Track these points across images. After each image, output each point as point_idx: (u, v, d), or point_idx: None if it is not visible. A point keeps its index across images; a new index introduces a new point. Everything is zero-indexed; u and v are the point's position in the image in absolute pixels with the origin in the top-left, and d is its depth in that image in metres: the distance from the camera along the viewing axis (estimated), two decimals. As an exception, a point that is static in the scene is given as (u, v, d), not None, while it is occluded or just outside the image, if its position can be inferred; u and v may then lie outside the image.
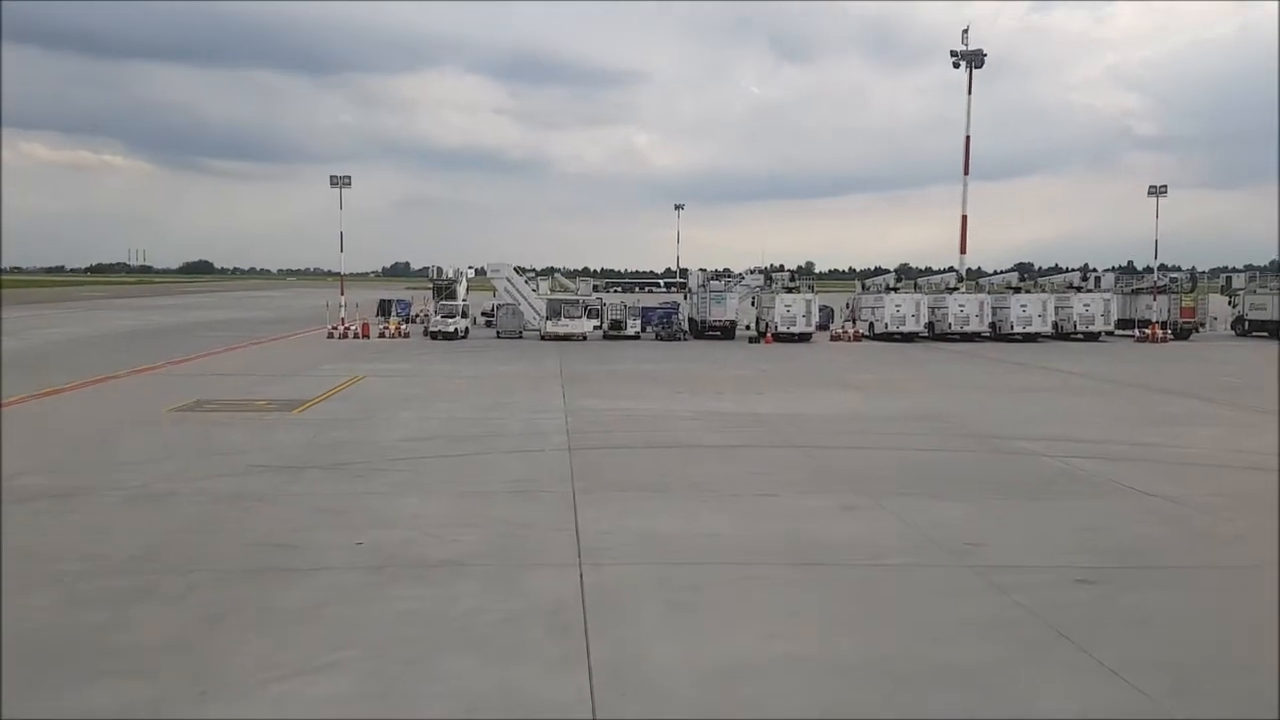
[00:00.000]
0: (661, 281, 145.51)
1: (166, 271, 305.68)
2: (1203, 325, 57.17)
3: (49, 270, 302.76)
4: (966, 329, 51.55)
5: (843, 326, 54.64)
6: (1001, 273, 68.07)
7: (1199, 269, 67.60)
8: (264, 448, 18.58)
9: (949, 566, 11.50)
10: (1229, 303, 60.71)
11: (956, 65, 70.86)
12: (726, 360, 39.23)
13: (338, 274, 57.36)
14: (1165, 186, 54.24)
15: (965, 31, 71.08)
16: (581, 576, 10.87)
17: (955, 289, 56.12)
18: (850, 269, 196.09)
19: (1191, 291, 58.61)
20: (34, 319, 62.32)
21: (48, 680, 8.12)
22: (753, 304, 55.84)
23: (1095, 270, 60.71)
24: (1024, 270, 73.46)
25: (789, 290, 52.55)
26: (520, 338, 50.42)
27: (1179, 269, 63.11)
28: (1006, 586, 10.65)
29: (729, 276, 59.38)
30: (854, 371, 35.15)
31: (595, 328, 51.52)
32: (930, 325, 52.01)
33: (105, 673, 8.27)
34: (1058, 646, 9.06)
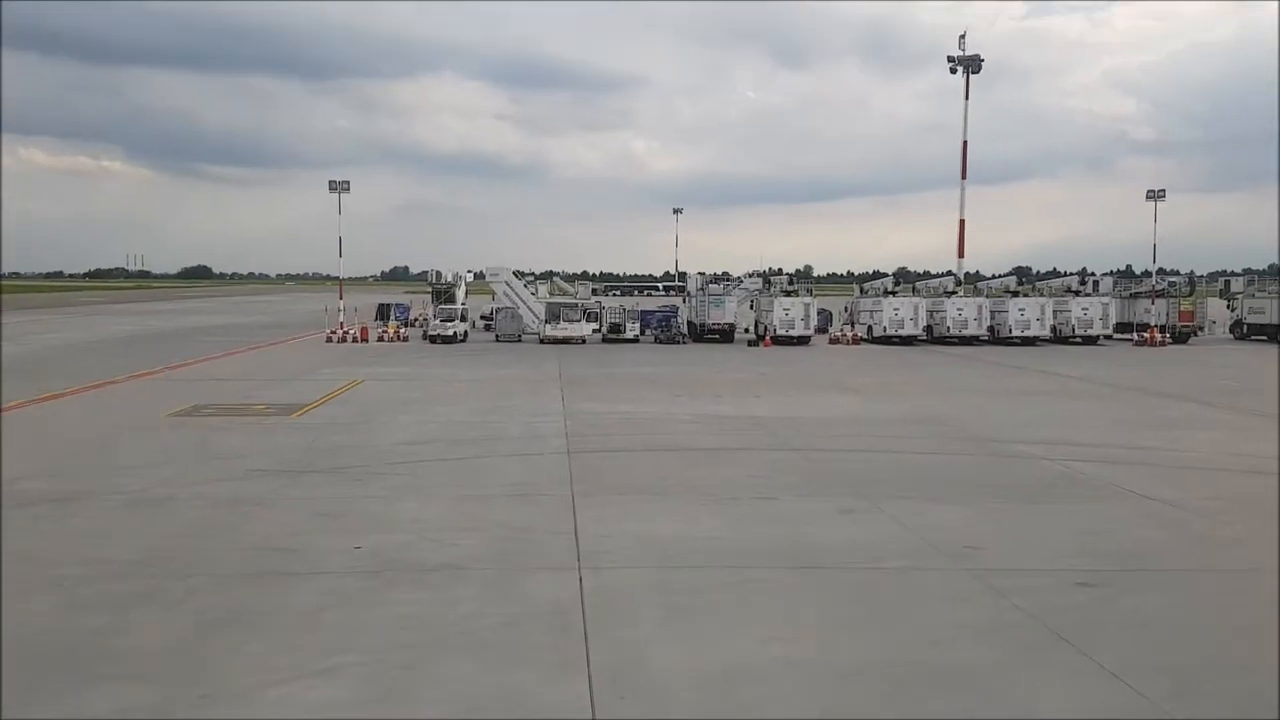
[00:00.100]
0: (660, 285, 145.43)
1: (165, 277, 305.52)
2: (1201, 329, 57.15)
3: (48, 275, 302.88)
4: (965, 332, 51.54)
5: (841, 330, 54.63)
6: (999, 276, 68.14)
7: (1197, 273, 67.84)
8: (263, 452, 18.58)
9: (948, 570, 11.51)
10: (1228, 306, 60.73)
11: (954, 71, 71.04)
12: (725, 363, 39.25)
13: (336, 278, 57.38)
14: (1163, 190, 54.28)
15: (962, 37, 71.34)
16: (581, 580, 10.87)
17: (953, 293, 56.10)
18: (848, 273, 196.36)
19: (1190, 295, 58.64)
20: (33, 324, 62.29)
21: (48, 684, 8.12)
22: (751, 307, 55.88)
23: (1093, 274, 60.71)
24: (1022, 274, 73.47)
25: (787, 294, 52.60)
26: (519, 341, 50.41)
27: (1177, 273, 63.28)
28: (1005, 590, 10.66)
29: (728, 280, 59.45)
30: (852, 375, 35.17)
31: (594, 331, 51.53)
32: (928, 329, 52.00)
33: (105, 677, 8.27)
34: (1057, 649, 9.07)
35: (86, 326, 61.41)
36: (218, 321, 71.17)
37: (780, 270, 60.25)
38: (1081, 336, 52.45)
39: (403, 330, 53.10)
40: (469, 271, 58.36)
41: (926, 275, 74.11)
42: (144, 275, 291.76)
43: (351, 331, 49.26)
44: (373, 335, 50.35)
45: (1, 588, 10.33)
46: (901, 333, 51.36)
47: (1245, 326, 57.24)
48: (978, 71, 70.95)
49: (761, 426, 22.31)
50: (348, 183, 52.10)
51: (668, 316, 53.88)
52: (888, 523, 13.59)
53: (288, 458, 17.99)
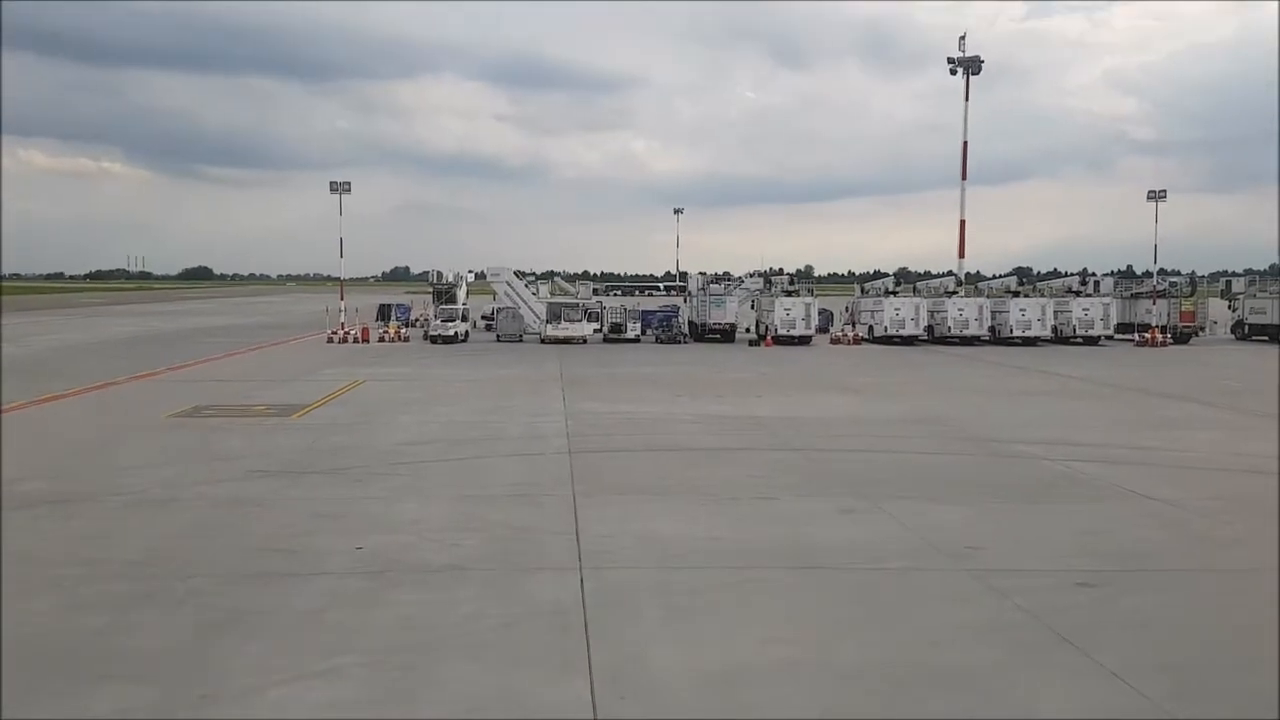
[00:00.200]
0: (661, 285, 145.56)
1: (166, 278, 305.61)
2: (1202, 329, 57.11)
3: (48, 277, 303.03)
4: (965, 333, 51.53)
5: (842, 330, 54.64)
6: (1000, 277, 68.11)
7: (1198, 273, 67.76)
8: (263, 453, 18.59)
9: (948, 570, 11.51)
10: (1229, 307, 60.69)
11: (953, 72, 70.99)
12: (726, 363, 39.25)
13: (337, 279, 57.39)
14: (1164, 191, 54.23)
15: (962, 38, 71.22)
16: (582, 580, 10.87)
17: (954, 293, 56.08)
18: (849, 273, 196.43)
19: (1191, 295, 58.59)
20: (33, 325, 62.34)
21: (48, 684, 8.13)
22: (752, 307, 55.90)
23: (1094, 274, 60.67)
24: (1023, 274, 73.44)
25: (788, 294, 52.60)
26: (520, 341, 50.42)
27: (1178, 273, 63.21)
28: (1006, 590, 10.66)
29: (729, 280, 59.48)
30: (853, 375, 35.17)
31: (595, 331, 51.54)
32: (929, 329, 52.01)
33: (105, 677, 8.27)
34: (1058, 650, 9.07)
35: (87, 328, 61.45)
36: (218, 322, 71.21)
37: (781, 270, 60.28)
38: (1082, 337, 52.43)
39: (404, 331, 53.13)
40: (470, 272, 58.37)
41: (927, 275, 74.12)
42: (145, 276, 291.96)
43: (352, 332, 49.26)
44: (374, 336, 50.37)
45: (2, 588, 10.34)
46: (902, 333, 51.36)
47: (1246, 327, 57.20)
48: (978, 72, 70.81)
49: (762, 426, 22.31)
50: (349, 183, 52.16)
51: (669, 316, 53.89)
52: (888, 523, 13.59)
53: (288, 458, 18.00)
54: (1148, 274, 60.58)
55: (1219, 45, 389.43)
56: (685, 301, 59.94)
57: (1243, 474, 17.27)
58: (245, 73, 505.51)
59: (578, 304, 51.88)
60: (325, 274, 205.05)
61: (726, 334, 52.04)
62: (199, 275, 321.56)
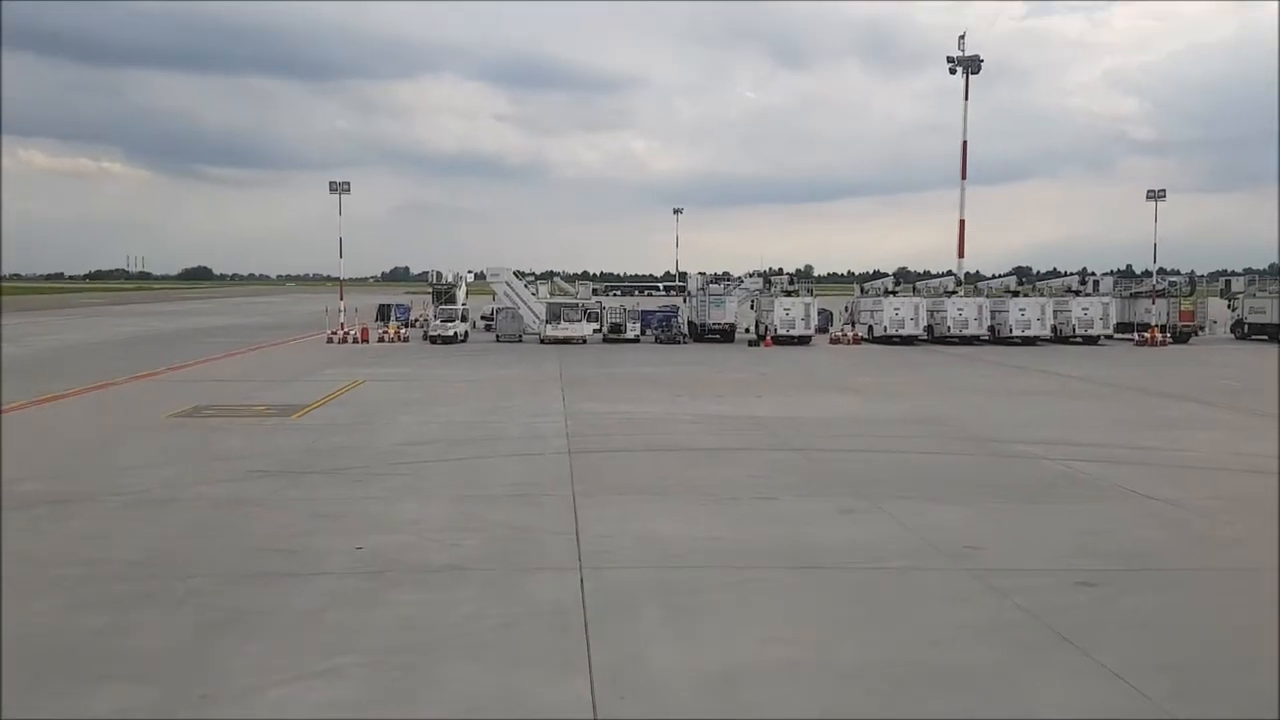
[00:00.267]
0: (661, 285, 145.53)
1: (165, 278, 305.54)
2: (1202, 329, 57.11)
3: (48, 277, 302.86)
4: (965, 332, 51.54)
5: (842, 329, 54.64)
6: (1000, 276, 68.12)
7: (1198, 272, 67.75)
8: (263, 453, 18.59)
9: (948, 570, 11.51)
10: (1228, 306, 60.70)
11: (953, 71, 71.03)
12: (726, 363, 39.25)
13: (337, 279, 57.39)
14: (1164, 190, 54.22)
15: (962, 37, 71.31)
16: (582, 580, 10.88)
17: (954, 292, 56.09)
18: (849, 272, 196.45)
19: (1190, 295, 58.60)
20: (33, 325, 62.33)
21: (48, 684, 8.13)
22: (752, 307, 55.89)
23: (1094, 274, 60.69)
24: (1022, 274, 73.48)
25: (788, 293, 52.59)
26: (520, 341, 50.42)
27: (1178, 272, 63.19)
28: (1006, 590, 10.66)
29: (728, 280, 59.48)
30: (853, 374, 35.17)
31: (595, 331, 51.54)
32: (929, 328, 52.02)
33: (106, 677, 8.27)
34: (1058, 649, 9.07)
35: (87, 328, 61.44)
36: (218, 322, 71.20)
37: (781, 270, 60.27)
38: (1082, 336, 52.44)
39: (403, 331, 53.11)
40: (469, 272, 58.36)
41: (927, 275, 74.16)
42: (144, 276, 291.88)
43: (352, 332, 49.26)
44: (373, 336, 50.37)
45: (2, 588, 10.34)
46: (902, 332, 51.38)
47: (1246, 326, 57.21)
48: (977, 72, 70.92)
49: (762, 426, 22.32)
50: (348, 184, 52.12)
51: (668, 316, 53.89)
52: (888, 523, 13.60)
53: (288, 458, 18.00)
54: (1147, 273, 60.61)
55: (1219, 45, 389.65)
56: (685, 302, 59.93)
57: (1243, 474, 17.28)
58: (245, 73, 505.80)
59: (577, 304, 51.88)
60: (325, 274, 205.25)
61: (726, 334, 52.05)
62: (199, 275, 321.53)
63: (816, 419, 23.64)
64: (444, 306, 52.56)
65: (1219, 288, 65.93)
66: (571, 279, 75.60)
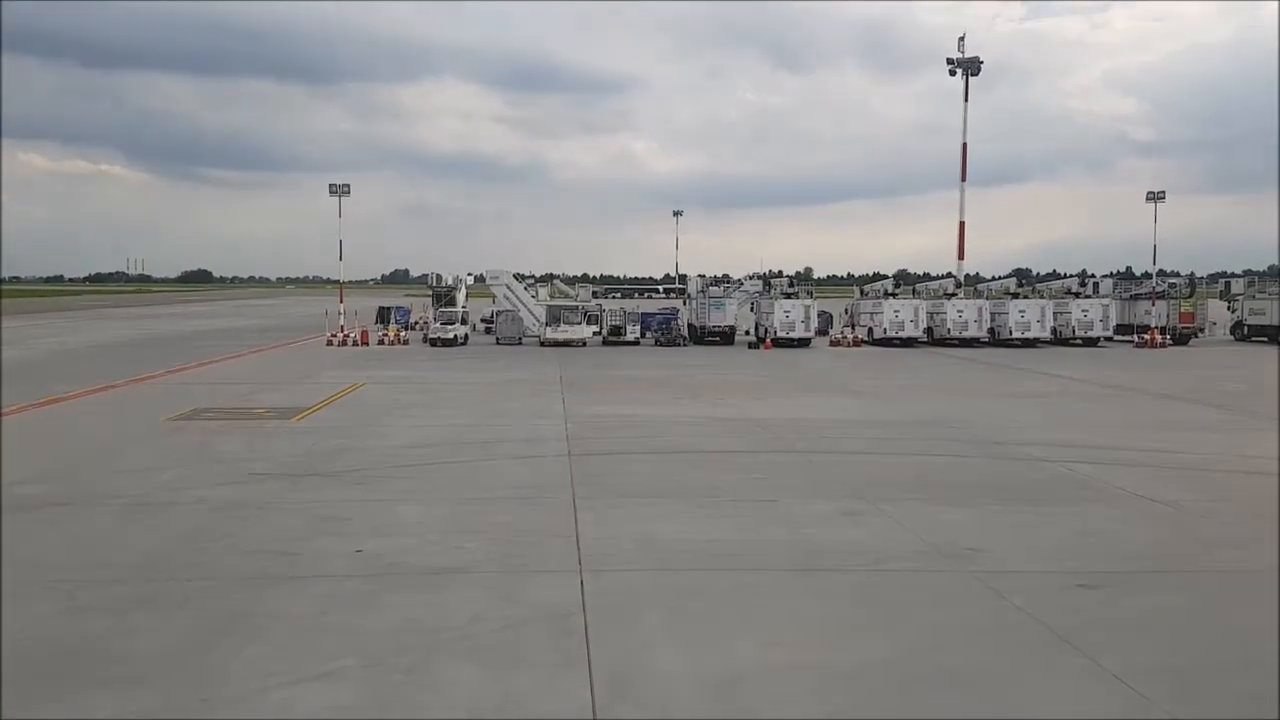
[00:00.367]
0: (661, 287, 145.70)
1: (165, 281, 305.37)
2: (1202, 330, 57.10)
3: (48, 280, 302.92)
4: (965, 334, 51.55)
5: (842, 332, 54.64)
6: (1000, 278, 68.20)
7: (1198, 274, 67.78)
8: (263, 456, 18.58)
9: (949, 572, 11.50)
10: (1228, 308, 60.69)
11: (953, 73, 71.11)
12: (726, 365, 39.25)
13: (337, 282, 57.41)
14: (1163, 192, 54.19)
15: (961, 39, 71.42)
16: (582, 583, 10.86)
17: (954, 295, 56.11)
18: (849, 274, 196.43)
19: (1190, 297, 58.60)
20: (33, 328, 62.33)
21: (48, 688, 8.12)
22: (752, 309, 55.88)
23: (1093, 276, 60.73)
24: (1022, 276, 73.57)
25: (788, 296, 52.59)
26: (520, 344, 50.40)
27: (1178, 274, 63.20)
28: (1007, 591, 10.66)
29: (728, 282, 59.48)
30: (853, 377, 35.17)
31: (595, 333, 51.53)
32: (929, 330, 52.03)
33: (106, 680, 8.26)
34: (1059, 651, 9.06)
35: (87, 330, 61.44)
36: (218, 325, 71.21)
37: (780, 272, 60.45)
38: (1082, 338, 52.46)
39: (403, 333, 53.09)
40: (469, 274, 58.40)
41: (927, 277, 74.32)
42: (144, 279, 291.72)
43: (352, 335, 49.28)
44: (373, 338, 50.38)
45: (2, 591, 10.33)
46: (902, 335, 51.39)
47: (1246, 328, 57.20)
48: (977, 73, 71.02)
49: (763, 429, 22.31)
50: (348, 186, 52.07)
51: (668, 319, 53.87)
52: (889, 525, 13.59)
53: (288, 461, 17.99)
54: (1147, 275, 60.65)
55: (1218, 46, 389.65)
56: (684, 304, 59.95)
57: (1243, 475, 17.27)
58: (245, 75, 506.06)
59: (577, 306, 51.85)
60: (325, 277, 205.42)
61: (726, 336, 52.04)
62: (198, 278, 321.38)
63: (817, 421, 23.63)
64: (444, 309, 52.58)
65: (1219, 289, 65.96)
66: (571, 281, 75.66)
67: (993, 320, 52.13)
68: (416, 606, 10.11)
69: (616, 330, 52.03)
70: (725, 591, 10.70)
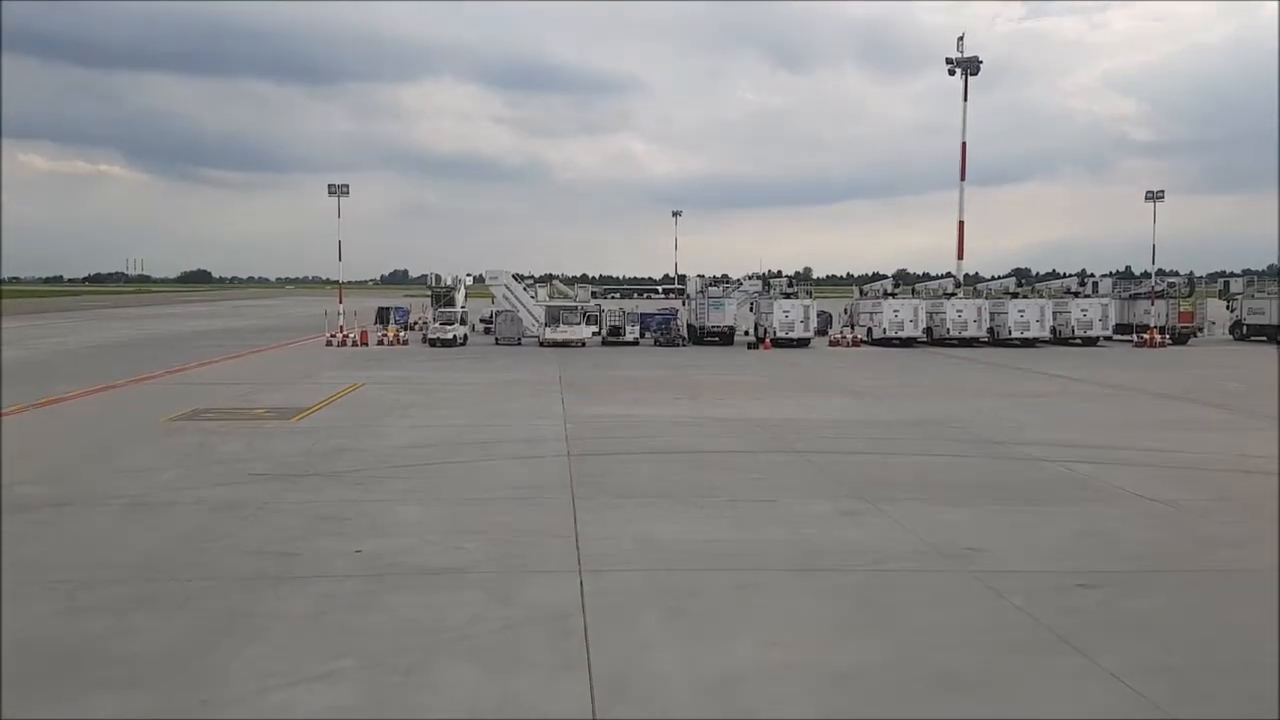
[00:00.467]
0: (660, 288, 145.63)
1: (164, 281, 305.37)
2: (1201, 330, 57.13)
3: (47, 280, 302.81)
4: (965, 334, 51.54)
5: (841, 332, 54.63)
6: (999, 278, 68.15)
7: (1197, 274, 67.69)
8: (263, 456, 18.57)
9: (949, 572, 11.51)
10: (1227, 307, 60.69)
11: (952, 73, 71.06)
12: (725, 366, 39.25)
13: (336, 282, 57.40)
14: (1162, 191, 54.22)
15: (961, 39, 71.34)
16: (581, 583, 10.87)
17: (953, 294, 56.10)
18: (848, 274, 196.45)
19: (1189, 296, 58.63)
20: (32, 329, 62.30)
21: (48, 689, 8.12)
22: (751, 310, 55.88)
23: (1093, 275, 60.73)
24: (1021, 276, 73.51)
25: (787, 296, 52.59)
26: (519, 344, 50.41)
27: (1177, 274, 63.17)
28: (1006, 591, 10.66)
29: (727, 282, 59.45)
30: (852, 377, 35.16)
31: (594, 334, 51.53)
32: (928, 330, 52.04)
33: (105, 681, 8.26)
34: (1058, 651, 9.06)
35: (86, 331, 61.41)
36: (217, 325, 71.19)
37: (780, 272, 60.34)
38: (1081, 338, 52.47)
39: (402, 334, 53.08)
40: (468, 275, 58.40)
41: (926, 277, 74.29)
42: (143, 280, 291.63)
43: (351, 335, 49.27)
44: (372, 339, 50.37)
45: (2, 591, 10.33)
46: (901, 335, 51.40)
47: (1245, 327, 57.23)
48: (976, 73, 70.91)
49: (762, 429, 22.31)
50: (347, 186, 52.04)
51: (667, 319, 53.88)
52: (889, 525, 13.59)
53: (288, 462, 17.98)
54: (1146, 275, 60.63)
55: (1217, 46, 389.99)
56: (684, 304, 59.94)
57: (1243, 475, 17.28)
58: (245, 75, 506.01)
59: (576, 307, 51.86)
60: (324, 277, 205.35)
61: (725, 336, 52.04)
62: (198, 279, 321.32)
63: (816, 421, 23.63)
64: (443, 309, 52.58)
65: (1218, 289, 65.97)
66: (570, 282, 75.59)
67: (992, 320, 52.14)
68: (416, 607, 10.11)
69: (616, 330, 52.04)
70: (724, 592, 10.70)
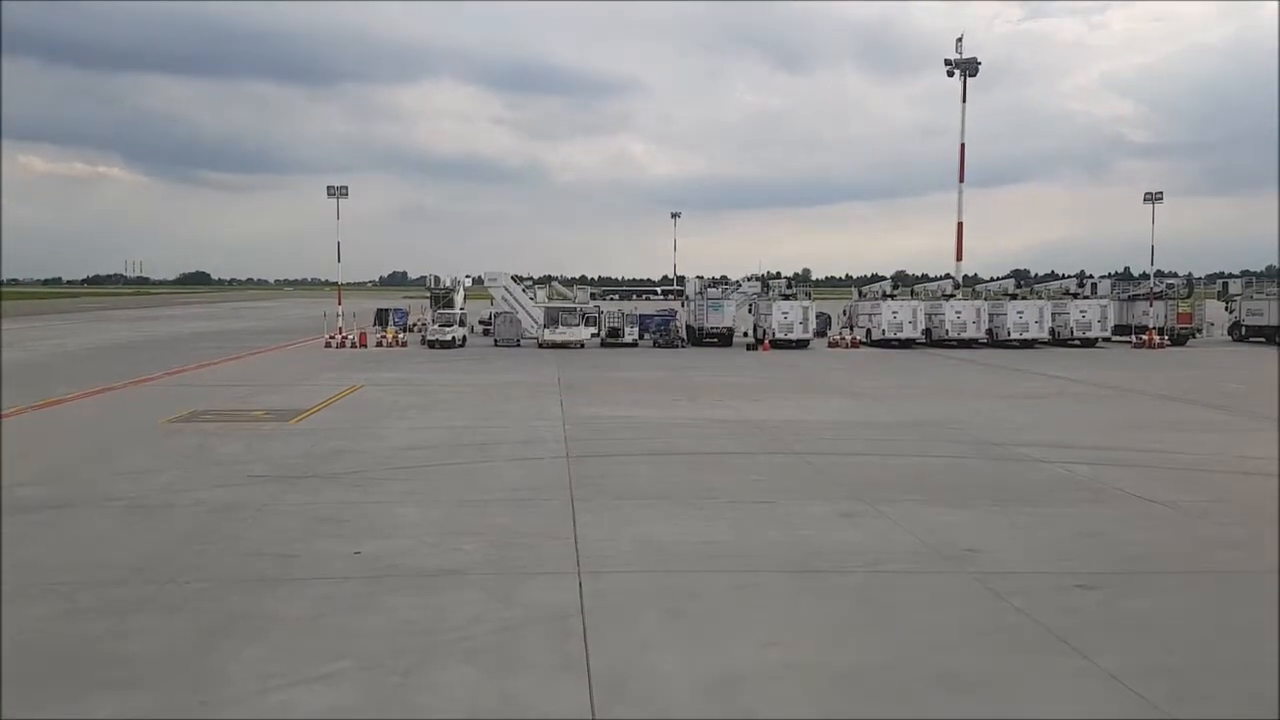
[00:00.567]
0: (659, 289, 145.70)
1: (164, 283, 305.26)
2: (1200, 331, 57.17)
3: (46, 282, 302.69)
4: (964, 335, 51.58)
5: (840, 333, 54.66)
6: (998, 279, 68.23)
7: (1195, 275, 67.88)
8: (261, 458, 18.57)
9: (948, 573, 11.51)
10: (1226, 308, 60.75)
11: (951, 74, 71.13)
12: (724, 367, 39.26)
13: (335, 284, 57.39)
14: (1161, 193, 54.27)
15: (959, 40, 71.41)
16: (580, 585, 10.87)
17: (952, 296, 56.14)
18: (847, 276, 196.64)
19: (1188, 297, 58.69)
20: (31, 330, 62.29)
21: (47, 690, 8.13)
22: (750, 311, 55.90)
23: (1091, 276, 60.79)
24: (1020, 277, 73.61)
25: (786, 297, 52.59)
26: (518, 346, 50.40)
27: (1175, 275, 63.32)
28: (1005, 592, 10.67)
29: (726, 284, 59.52)
30: (851, 378, 35.17)
31: (593, 335, 51.54)
32: (927, 332, 52.07)
33: (104, 683, 8.26)
34: (1057, 652, 9.07)
35: (85, 332, 61.38)
36: (216, 327, 71.16)
37: (779, 274, 60.49)
38: (1080, 339, 52.50)
39: (401, 335, 53.06)
40: (467, 276, 58.43)
41: (925, 278, 74.37)
42: (142, 281, 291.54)
43: (350, 337, 49.26)
44: (371, 340, 50.36)
45: (2, 593, 10.33)
46: (900, 336, 51.42)
47: (1243, 328, 57.27)
48: (975, 74, 70.99)
49: (761, 430, 22.31)
50: (346, 188, 52.05)
51: (666, 320, 53.88)
52: (888, 526, 13.60)
53: (286, 463, 17.98)
54: (1145, 276, 60.71)
55: (1217, 47, 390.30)
56: (683, 305, 59.96)
57: (1242, 476, 17.29)
58: (244, 77, 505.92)
59: (575, 308, 51.88)
60: (323, 279, 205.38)
61: (724, 338, 52.05)
62: (196, 280, 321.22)
63: (815, 423, 23.64)
64: (442, 311, 52.61)
65: (1216, 290, 66.04)
66: (569, 283, 75.67)
67: (991, 321, 52.17)
68: (414, 608, 10.11)
69: (615, 332, 52.04)
70: (723, 593, 10.70)
